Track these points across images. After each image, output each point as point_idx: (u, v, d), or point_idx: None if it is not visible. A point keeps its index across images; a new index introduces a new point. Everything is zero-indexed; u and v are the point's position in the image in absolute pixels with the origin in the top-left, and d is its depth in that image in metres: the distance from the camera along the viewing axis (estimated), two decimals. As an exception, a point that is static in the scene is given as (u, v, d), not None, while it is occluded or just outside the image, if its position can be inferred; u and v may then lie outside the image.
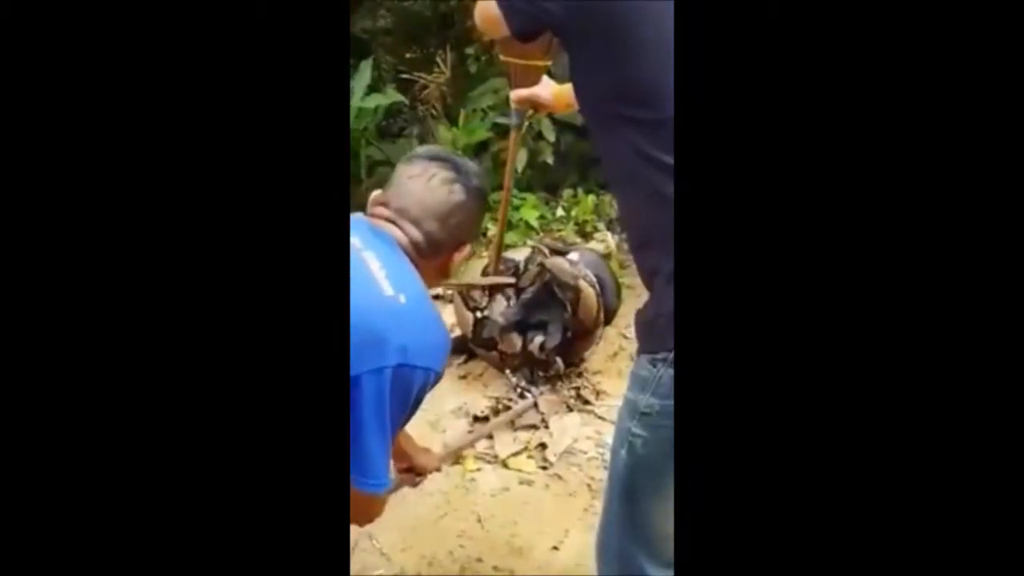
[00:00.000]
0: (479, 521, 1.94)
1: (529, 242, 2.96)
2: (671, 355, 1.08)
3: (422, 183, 1.19)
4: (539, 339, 2.36)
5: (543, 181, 3.56)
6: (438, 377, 1.13)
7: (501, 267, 2.47)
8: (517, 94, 2.03)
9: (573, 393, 2.41)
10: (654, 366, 1.11)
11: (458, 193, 1.19)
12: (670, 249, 0.95)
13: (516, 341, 2.38)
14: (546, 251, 2.53)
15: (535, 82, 1.99)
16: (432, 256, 1.20)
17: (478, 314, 2.44)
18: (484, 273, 2.50)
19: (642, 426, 1.14)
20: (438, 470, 1.69)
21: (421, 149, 1.29)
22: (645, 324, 1.15)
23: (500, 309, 2.42)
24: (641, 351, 1.16)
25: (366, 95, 3.26)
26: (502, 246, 2.49)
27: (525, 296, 2.40)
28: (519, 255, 2.55)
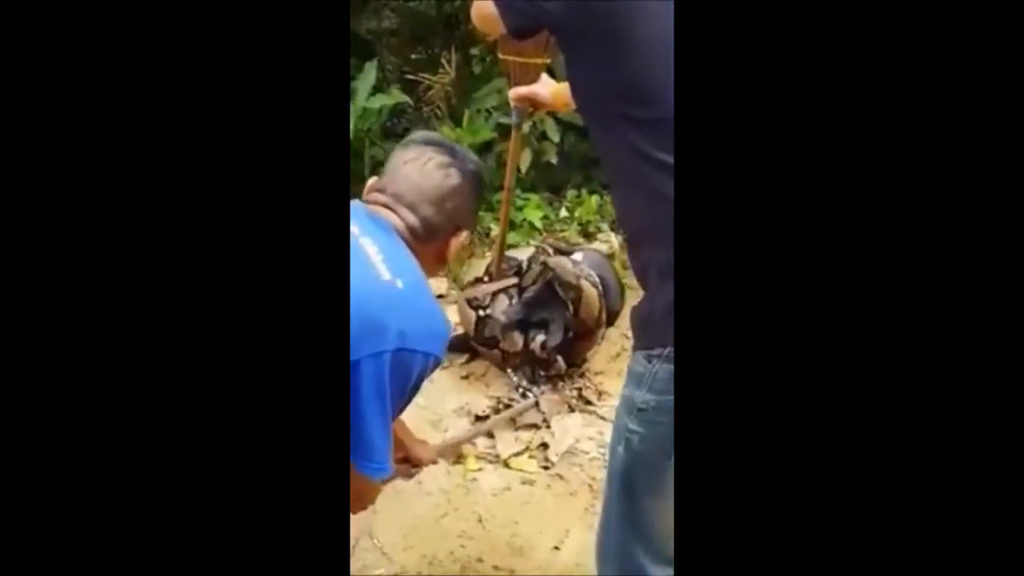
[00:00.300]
0: (480, 521, 1.93)
1: (532, 242, 2.96)
2: (666, 351, 1.08)
3: (417, 168, 1.19)
4: (540, 338, 2.36)
5: (547, 181, 3.56)
6: (437, 361, 1.13)
7: (504, 266, 2.47)
8: (516, 92, 2.02)
9: (575, 393, 2.41)
10: (649, 362, 1.11)
11: (454, 177, 1.19)
12: (664, 245, 0.95)
13: (518, 339, 2.38)
14: (550, 251, 2.53)
15: (534, 80, 1.99)
16: (429, 241, 1.19)
17: (480, 312, 2.44)
18: (487, 272, 2.51)
19: (638, 422, 1.15)
20: (434, 463, 1.68)
21: (417, 135, 1.29)
22: (640, 320, 1.15)
23: (502, 308, 2.42)
24: (636, 347, 1.16)
25: (371, 96, 3.25)
26: (505, 246, 2.50)
27: (527, 295, 2.40)
28: (522, 254, 2.56)
